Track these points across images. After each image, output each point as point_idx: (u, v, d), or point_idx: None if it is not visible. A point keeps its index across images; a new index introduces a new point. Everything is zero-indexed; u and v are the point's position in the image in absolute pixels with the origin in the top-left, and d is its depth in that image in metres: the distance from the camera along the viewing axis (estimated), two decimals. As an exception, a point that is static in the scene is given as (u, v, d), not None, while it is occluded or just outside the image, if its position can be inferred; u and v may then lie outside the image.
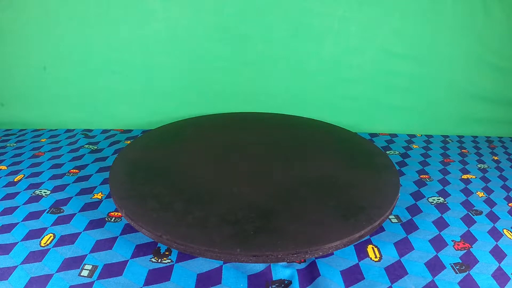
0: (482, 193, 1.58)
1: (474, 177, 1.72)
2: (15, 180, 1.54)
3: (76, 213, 1.33)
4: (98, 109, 2.10)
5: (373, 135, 2.16)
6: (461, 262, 1.16)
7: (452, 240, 1.26)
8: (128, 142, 1.93)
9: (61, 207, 1.36)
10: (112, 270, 1.07)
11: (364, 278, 1.08)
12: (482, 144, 2.12)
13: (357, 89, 2.10)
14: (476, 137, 2.23)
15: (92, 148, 1.87)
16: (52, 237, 1.20)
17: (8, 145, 1.90)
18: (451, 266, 1.14)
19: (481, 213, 1.43)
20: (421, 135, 2.21)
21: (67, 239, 1.19)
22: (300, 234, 1.06)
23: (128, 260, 1.11)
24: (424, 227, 1.32)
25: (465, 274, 1.11)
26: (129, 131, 2.11)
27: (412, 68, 2.06)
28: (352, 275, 1.09)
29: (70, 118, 2.12)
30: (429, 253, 1.19)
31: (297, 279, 1.07)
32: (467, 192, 1.58)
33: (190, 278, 1.06)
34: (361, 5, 1.90)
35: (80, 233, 1.22)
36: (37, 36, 1.91)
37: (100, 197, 1.43)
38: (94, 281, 1.03)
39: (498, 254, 1.20)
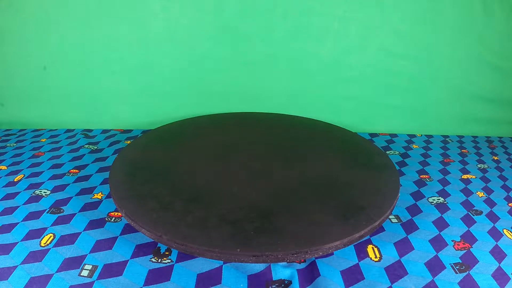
0: (482, 193, 1.58)
1: (474, 177, 1.72)
2: (15, 180, 1.54)
3: (76, 213, 1.33)
4: (98, 109, 2.10)
5: (373, 135, 2.16)
6: (461, 262, 1.16)
7: (452, 240, 1.26)
8: (128, 142, 1.93)
9: (61, 207, 1.36)
10: (112, 270, 1.07)
11: (364, 278, 1.08)
12: (482, 144, 2.12)
13: (357, 89, 2.10)
14: (476, 137, 2.23)
15: (92, 148, 1.87)
16: (52, 237, 1.20)
17: (8, 145, 1.90)
18: (451, 266, 1.14)
19: (481, 213, 1.43)
20: (421, 135, 2.21)
21: (67, 239, 1.19)
22: (300, 234, 1.06)
23: (128, 260, 1.11)
24: (424, 227, 1.32)
25: (465, 274, 1.11)
26: (129, 131, 2.11)
27: (412, 68, 2.05)
28: (352, 275, 1.09)
29: (70, 118, 2.12)
30: (429, 253, 1.19)
31: (297, 279, 1.07)
32: (467, 192, 1.58)
33: (190, 278, 1.06)
34: (361, 5, 1.90)
35: (80, 233, 1.22)
36: (37, 36, 1.91)
37: (100, 197, 1.43)
38: (94, 281, 1.03)
39: (498, 254, 1.20)
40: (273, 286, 1.04)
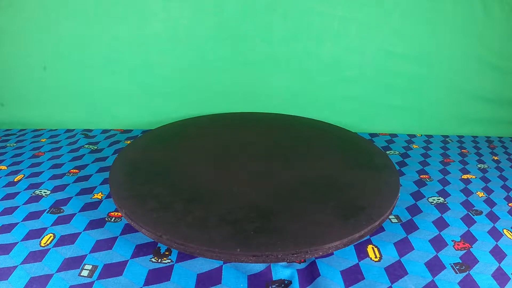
0: (482, 193, 1.58)
1: (474, 177, 1.72)
2: (15, 180, 1.54)
3: (76, 213, 1.33)
4: (98, 109, 2.10)
5: (373, 135, 2.16)
6: (461, 262, 1.16)
7: (452, 240, 1.26)
8: (128, 142, 1.93)
9: (61, 207, 1.36)
10: (112, 270, 1.07)
11: (364, 278, 1.08)
12: (482, 144, 2.12)
13: (357, 89, 2.10)
14: (476, 137, 2.23)
15: (92, 148, 1.87)
16: (52, 237, 1.20)
17: (8, 145, 1.90)
18: (451, 266, 1.14)
19: (481, 213, 1.43)
20: (421, 135, 2.21)
21: (67, 239, 1.19)
22: (300, 234, 1.06)
23: (128, 260, 1.11)
24: (424, 227, 1.32)
25: (465, 274, 1.11)
26: (129, 131, 2.11)
27: (412, 68, 2.06)
28: (352, 275, 1.09)
29: (70, 118, 2.12)
30: (429, 253, 1.19)
31: (297, 279, 1.07)
32: (467, 192, 1.58)
33: (190, 278, 1.06)
34: (361, 5, 1.90)
35: (80, 233, 1.22)
36: (37, 36, 1.91)
37: (100, 197, 1.43)
38: (94, 281, 1.03)
39: (498, 254, 1.20)
40: (273, 286, 1.04)
